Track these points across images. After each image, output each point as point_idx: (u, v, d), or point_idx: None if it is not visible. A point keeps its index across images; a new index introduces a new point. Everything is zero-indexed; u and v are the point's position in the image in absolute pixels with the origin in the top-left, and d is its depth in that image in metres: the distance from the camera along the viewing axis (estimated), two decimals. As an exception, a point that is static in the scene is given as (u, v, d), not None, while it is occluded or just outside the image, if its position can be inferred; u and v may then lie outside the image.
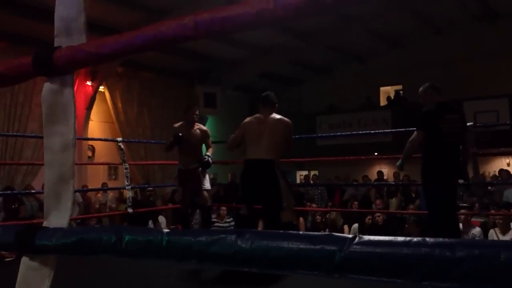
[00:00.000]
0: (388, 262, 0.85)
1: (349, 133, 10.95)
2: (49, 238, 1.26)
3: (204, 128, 6.27)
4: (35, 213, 8.69)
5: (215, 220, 8.83)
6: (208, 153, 5.97)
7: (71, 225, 1.39)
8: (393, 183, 11.82)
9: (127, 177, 7.28)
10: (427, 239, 0.85)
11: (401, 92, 16.42)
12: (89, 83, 12.03)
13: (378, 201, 9.55)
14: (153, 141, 11.37)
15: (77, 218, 7.86)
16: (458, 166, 4.84)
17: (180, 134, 5.84)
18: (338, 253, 0.88)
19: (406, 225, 8.18)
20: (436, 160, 4.67)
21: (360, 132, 10.65)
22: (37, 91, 10.35)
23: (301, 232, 0.98)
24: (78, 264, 4.17)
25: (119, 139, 7.86)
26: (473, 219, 7.19)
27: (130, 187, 7.34)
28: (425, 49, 15.45)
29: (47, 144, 1.40)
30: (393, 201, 10.46)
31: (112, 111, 13.04)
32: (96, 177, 12.21)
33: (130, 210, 7.22)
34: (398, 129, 9.32)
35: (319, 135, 14.48)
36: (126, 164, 7.31)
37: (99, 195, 11.49)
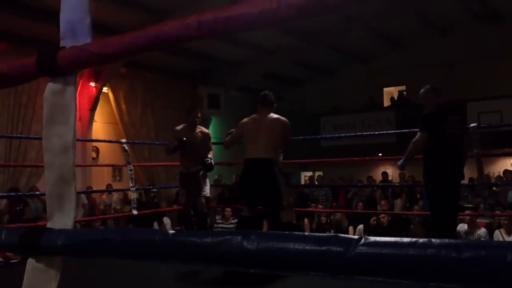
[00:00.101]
0: (394, 263, 0.85)
1: (353, 134, 10.93)
2: (54, 240, 1.26)
3: (206, 131, 6.23)
4: (40, 214, 8.70)
5: (220, 221, 8.82)
6: (210, 156, 5.93)
7: (75, 226, 1.39)
8: (397, 184, 11.80)
9: (131, 178, 7.28)
10: (433, 240, 0.84)
11: (405, 92, 16.42)
12: (92, 84, 12.04)
13: (383, 202, 9.54)
14: (157, 142, 11.38)
15: (82, 220, 7.86)
16: (460, 167, 4.89)
17: (184, 139, 5.82)
18: (344, 254, 0.88)
19: (412, 226, 8.16)
20: (440, 161, 4.70)
21: (364, 133, 10.64)
22: (41, 92, 10.13)
23: (306, 233, 0.98)
24: (83, 266, 4.17)
25: (124, 140, 7.87)
26: (478, 220, 7.16)
27: (134, 188, 7.34)
28: (428, 50, 15.45)
29: (47, 145, 1.40)
30: (398, 202, 10.45)
31: (115, 112, 13.06)
32: (100, 178, 12.23)
33: (135, 211, 7.22)
34: (402, 130, 9.32)
35: (323, 136, 14.49)
36: (130, 166, 7.32)
37: (104, 196, 11.50)
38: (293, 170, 16.63)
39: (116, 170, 13.20)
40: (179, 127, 6.10)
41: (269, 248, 0.95)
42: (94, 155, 12.67)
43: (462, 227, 6.89)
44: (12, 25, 9.91)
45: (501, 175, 11.86)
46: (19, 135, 10.12)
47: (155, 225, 8.91)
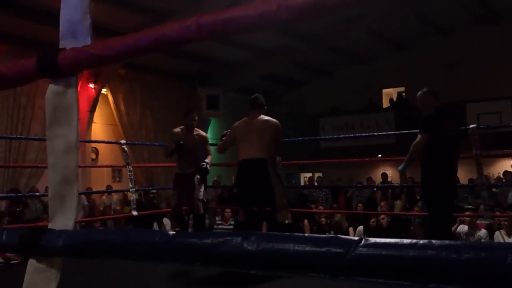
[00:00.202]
0: (394, 264, 0.85)
1: (352, 135, 10.94)
2: (54, 241, 1.26)
3: (203, 134, 6.20)
4: (39, 215, 8.70)
5: (219, 222, 8.82)
6: (207, 160, 5.89)
7: (75, 227, 1.39)
8: (397, 185, 11.81)
9: (131, 179, 7.27)
10: (433, 241, 0.84)
11: (404, 94, 16.42)
12: (91, 85, 12.04)
13: (383, 203, 9.54)
14: (156, 144, 11.37)
15: (82, 221, 7.86)
16: (456, 169, 4.95)
17: (182, 142, 5.82)
18: (344, 256, 0.88)
19: (411, 227, 8.16)
20: (439, 162, 4.75)
21: (364, 134, 10.64)
22: (40, 93, 10.36)
23: (307, 235, 0.98)
24: (83, 266, 4.17)
25: (123, 141, 7.86)
26: (478, 221, 7.17)
27: (134, 189, 7.34)
28: (428, 51, 15.46)
29: (50, 146, 1.40)
30: (398, 203, 10.45)
31: (115, 113, 13.05)
32: (100, 179, 12.22)
33: (134, 212, 7.21)
34: (401, 131, 9.32)
35: (323, 137, 14.49)
36: (130, 167, 7.31)
37: (104, 197, 11.50)
38: (293, 171, 16.64)
39: (116, 171, 13.19)
40: (176, 130, 6.10)
41: (269, 249, 0.95)
42: (93, 156, 12.66)
43: (463, 228, 6.91)
44: (12, 26, 9.90)
45: (501, 176, 11.86)
46: (18, 136, 10.11)
47: (155, 226, 8.91)
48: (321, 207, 10.37)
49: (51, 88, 1.39)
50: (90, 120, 12.26)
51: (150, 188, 11.23)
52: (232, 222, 8.49)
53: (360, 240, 0.89)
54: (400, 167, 5.07)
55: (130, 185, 7.26)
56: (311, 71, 17.04)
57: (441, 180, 4.75)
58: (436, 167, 4.74)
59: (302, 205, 10.00)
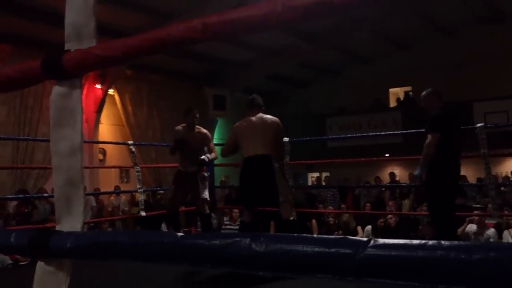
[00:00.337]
0: (403, 265, 0.84)
1: (359, 134, 10.92)
2: (63, 242, 1.26)
3: (204, 131, 6.17)
4: (48, 216, 8.73)
5: (227, 222, 8.83)
6: (208, 155, 5.89)
7: (83, 228, 1.39)
8: (405, 184, 11.78)
9: (139, 180, 7.28)
10: (443, 242, 0.84)
11: (411, 93, 16.38)
12: (98, 86, 12.08)
13: (391, 203, 9.53)
14: (164, 144, 11.38)
15: (90, 222, 7.88)
16: (460, 168, 4.98)
17: (182, 138, 5.83)
18: (353, 257, 0.87)
19: (420, 227, 8.14)
20: (447, 162, 4.76)
21: (371, 133, 10.62)
22: (47, 94, 10.23)
23: (315, 235, 0.98)
24: (91, 268, 4.18)
25: (131, 142, 7.88)
26: (486, 221, 7.14)
27: (142, 190, 7.35)
28: (434, 50, 15.43)
29: (54, 148, 1.40)
30: (406, 203, 10.42)
31: (122, 114, 13.10)
32: (108, 180, 12.26)
33: (143, 213, 7.22)
34: (408, 131, 9.30)
35: (330, 137, 14.48)
36: (137, 167, 7.32)
37: (112, 198, 11.54)
38: (300, 171, 16.63)
39: (123, 171, 13.24)
40: (178, 128, 6.12)
41: (278, 250, 0.95)
42: (101, 157, 12.71)
43: (471, 227, 6.88)
44: (18, 28, 9.95)
45: (509, 175, 11.82)
46: (26, 137, 10.15)
47: (163, 227, 8.92)
48: (330, 207, 10.35)
49: (56, 89, 1.40)
50: (97, 121, 12.30)
51: (158, 188, 11.25)
52: (240, 223, 8.51)
53: (369, 241, 0.89)
54: (416, 172, 4.98)
55: (138, 186, 7.27)
56: (317, 71, 17.03)
57: (448, 180, 4.77)
58: (444, 166, 4.74)
59: (310, 205, 9.99)
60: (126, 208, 10.85)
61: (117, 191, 11.13)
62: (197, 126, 6.05)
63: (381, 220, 8.31)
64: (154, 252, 1.14)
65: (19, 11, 9.41)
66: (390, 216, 8.17)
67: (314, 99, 17.63)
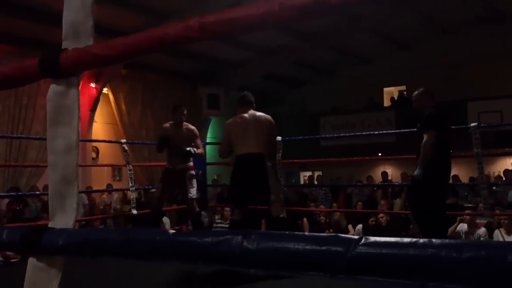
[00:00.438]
0: (394, 263, 0.85)
1: (353, 134, 10.93)
2: (55, 239, 1.26)
3: (192, 127, 6.14)
4: (39, 214, 8.71)
5: (219, 221, 8.83)
6: (195, 148, 5.87)
7: (75, 226, 1.39)
8: (397, 183, 11.81)
9: (131, 178, 7.28)
10: (434, 240, 0.84)
11: (405, 92, 16.40)
12: (93, 85, 12.05)
13: (382, 202, 9.55)
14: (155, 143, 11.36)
15: (82, 220, 7.86)
16: (451, 167, 4.99)
17: (165, 136, 5.82)
18: (344, 254, 0.88)
19: (411, 226, 8.17)
20: (440, 161, 4.76)
21: (364, 133, 10.64)
22: (41, 93, 10.38)
23: (307, 233, 0.98)
24: (83, 265, 4.17)
25: (123, 140, 7.87)
26: (478, 220, 7.17)
27: (134, 188, 7.35)
28: (429, 50, 15.45)
29: (51, 145, 1.41)
30: (397, 202, 10.45)
31: (115, 113, 13.06)
32: (100, 178, 12.24)
33: (134, 211, 7.22)
34: (402, 130, 9.32)
35: (323, 136, 14.49)
36: (130, 166, 7.32)
37: (104, 196, 11.51)
38: (292, 170, 16.64)
39: (116, 170, 13.21)
40: (166, 125, 6.12)
41: (269, 248, 0.95)
42: (94, 155, 12.68)
43: (462, 226, 6.90)
44: (15, 27, 9.91)
45: (501, 174, 11.86)
46: (19, 135, 10.11)
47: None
48: (322, 206, 10.36)
49: (53, 88, 1.40)
50: (91, 120, 12.27)
51: (150, 187, 11.22)
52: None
53: (360, 238, 0.89)
54: (416, 172, 4.80)
55: (130, 184, 7.27)
56: (312, 70, 17.02)
57: (441, 179, 4.79)
58: (440, 165, 4.75)
59: (302, 204, 9.99)
60: (118, 206, 10.82)
61: (109, 189, 11.10)
62: (185, 123, 6.04)
63: (372, 219, 8.32)
64: (146, 249, 1.14)
65: (17, 10, 9.38)
66: (381, 215, 8.19)
67: (309, 99, 17.64)
